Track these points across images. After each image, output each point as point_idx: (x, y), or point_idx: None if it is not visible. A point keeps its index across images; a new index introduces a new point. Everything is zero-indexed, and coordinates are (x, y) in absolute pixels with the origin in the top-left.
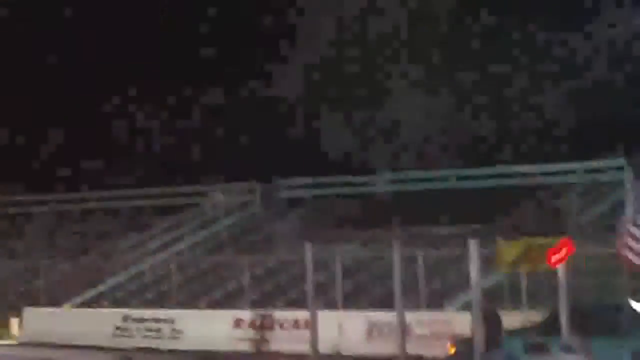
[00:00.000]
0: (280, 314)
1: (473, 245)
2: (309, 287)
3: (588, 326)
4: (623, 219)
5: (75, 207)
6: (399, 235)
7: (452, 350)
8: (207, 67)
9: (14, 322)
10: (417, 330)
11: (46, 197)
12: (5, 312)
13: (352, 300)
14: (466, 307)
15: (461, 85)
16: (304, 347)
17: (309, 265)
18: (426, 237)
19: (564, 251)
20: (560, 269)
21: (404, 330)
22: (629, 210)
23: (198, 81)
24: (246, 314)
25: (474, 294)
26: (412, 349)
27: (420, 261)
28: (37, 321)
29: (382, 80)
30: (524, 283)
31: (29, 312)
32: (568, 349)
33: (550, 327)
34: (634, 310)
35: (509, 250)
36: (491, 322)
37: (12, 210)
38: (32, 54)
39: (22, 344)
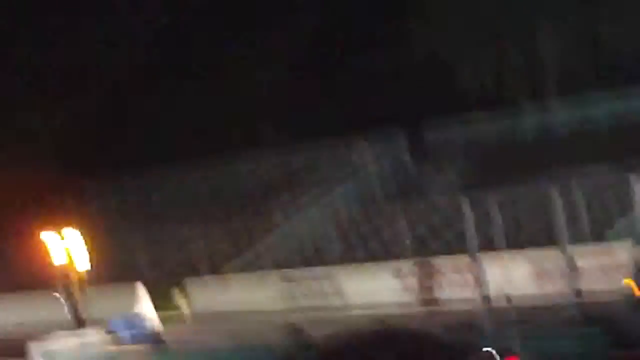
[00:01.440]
0: (441, 261)
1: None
2: (471, 240)
3: None
4: None
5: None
6: (557, 180)
7: (630, 284)
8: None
9: (177, 294)
10: (582, 264)
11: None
12: (165, 284)
13: (513, 238)
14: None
15: None
16: (468, 293)
17: (470, 222)
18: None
19: None
20: None
21: (572, 265)
22: None
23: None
24: (407, 264)
25: None
26: (579, 283)
27: (578, 192)
28: (200, 291)
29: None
30: None
31: (192, 283)
32: None
33: None
34: None
35: None
36: None
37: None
38: None
39: (188, 317)
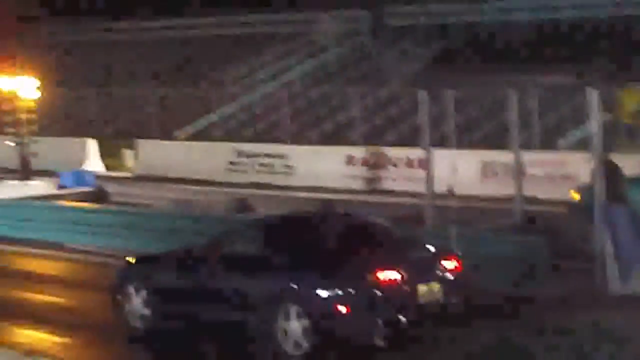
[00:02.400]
0: (393, 152)
1: (592, 95)
2: (425, 135)
3: None
4: None
5: (182, 34)
6: (513, 82)
7: (577, 197)
8: None
9: (127, 153)
10: (531, 171)
11: (153, 23)
12: (117, 142)
13: (465, 138)
14: (579, 146)
15: None
16: (416, 187)
17: (424, 114)
18: (541, 86)
19: None
20: None
21: (520, 170)
22: None
23: None
24: (359, 151)
25: (594, 144)
26: (525, 190)
27: (534, 98)
28: (151, 153)
29: None
30: None
31: (143, 144)
32: None
33: None
34: None
35: (631, 98)
36: (612, 171)
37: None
38: None
39: (137, 177)
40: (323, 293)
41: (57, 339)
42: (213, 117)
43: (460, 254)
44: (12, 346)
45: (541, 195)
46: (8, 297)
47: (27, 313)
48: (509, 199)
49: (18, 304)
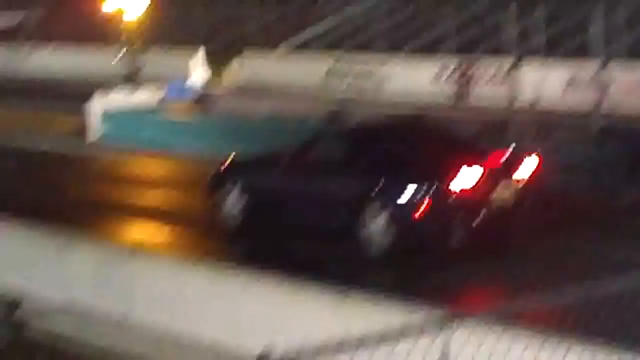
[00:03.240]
0: (481, 67)
1: None
2: (511, 47)
3: None
4: None
5: None
6: None
7: None
8: None
9: (232, 65)
10: (620, 84)
11: None
12: (222, 55)
13: (552, 50)
14: None
15: None
16: (503, 101)
17: (513, 28)
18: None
19: None
20: None
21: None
22: None
23: None
24: (448, 65)
25: None
26: (608, 103)
27: (619, 12)
28: (253, 66)
29: None
30: None
31: (246, 56)
32: None
33: None
34: None
35: None
36: None
37: None
38: None
39: (240, 89)
40: (403, 196)
41: (163, 236)
42: (313, 30)
43: (535, 157)
44: (125, 241)
45: (624, 109)
46: (119, 200)
47: (136, 213)
48: (592, 107)
49: (130, 203)
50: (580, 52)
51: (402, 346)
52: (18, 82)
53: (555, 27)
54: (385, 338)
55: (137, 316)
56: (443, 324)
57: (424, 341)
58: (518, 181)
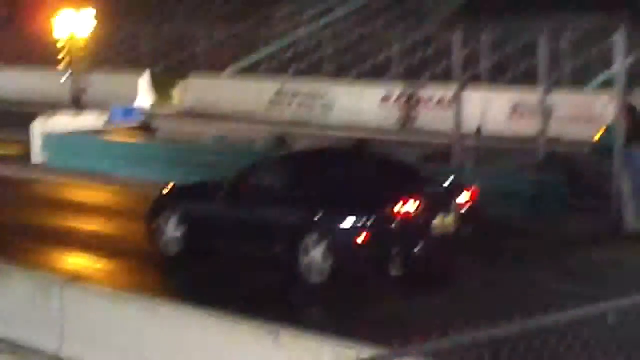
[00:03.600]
0: (426, 92)
1: (620, 36)
2: (457, 73)
3: None
4: None
5: None
6: (545, 26)
7: (598, 136)
8: None
9: (176, 90)
10: (560, 112)
11: None
12: (166, 79)
13: (497, 78)
14: (605, 87)
15: None
16: (447, 125)
17: (459, 54)
18: (573, 29)
19: None
20: None
21: (547, 111)
22: None
23: None
24: (394, 90)
25: (617, 87)
26: (553, 130)
27: (564, 39)
28: (198, 90)
29: None
30: None
31: (191, 81)
32: None
33: None
34: None
35: None
36: (632, 113)
37: None
38: None
39: (184, 113)
40: (344, 224)
41: (100, 265)
42: (258, 55)
43: (474, 187)
44: (59, 271)
45: (564, 134)
46: (58, 225)
47: (74, 240)
48: (535, 137)
49: (67, 231)
50: (526, 78)
51: None
52: None
53: (500, 53)
54: None
55: (68, 352)
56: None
57: None
58: (458, 209)
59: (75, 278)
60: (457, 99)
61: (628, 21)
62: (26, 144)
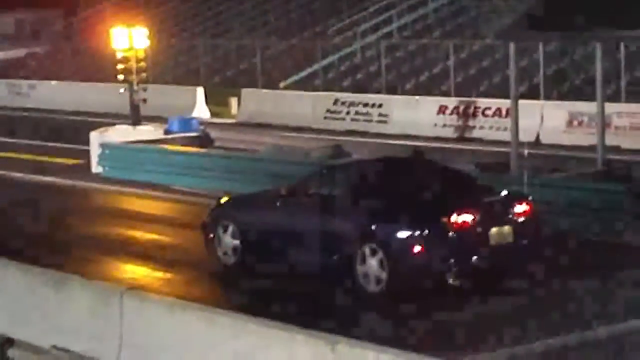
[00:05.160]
0: (483, 102)
1: None
2: (512, 85)
3: None
4: None
5: None
6: (602, 37)
7: None
8: None
9: (233, 101)
10: (617, 122)
11: None
12: (224, 91)
13: (554, 88)
14: None
15: None
16: (505, 135)
17: (513, 65)
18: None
19: None
20: None
21: (604, 121)
22: None
23: None
24: (451, 101)
25: None
26: (610, 140)
27: (622, 51)
28: (254, 101)
29: None
30: None
31: (247, 92)
32: None
33: None
34: None
35: None
36: None
37: None
38: None
39: (239, 123)
40: (400, 234)
41: (158, 274)
42: (314, 67)
43: (531, 198)
44: (118, 280)
45: (623, 144)
46: (117, 235)
47: (133, 250)
48: (593, 148)
49: (125, 241)
50: (582, 90)
51: None
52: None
53: (555, 68)
54: None
55: (127, 358)
56: None
57: None
58: (516, 219)
59: (134, 287)
60: (513, 109)
61: None
62: (86, 154)
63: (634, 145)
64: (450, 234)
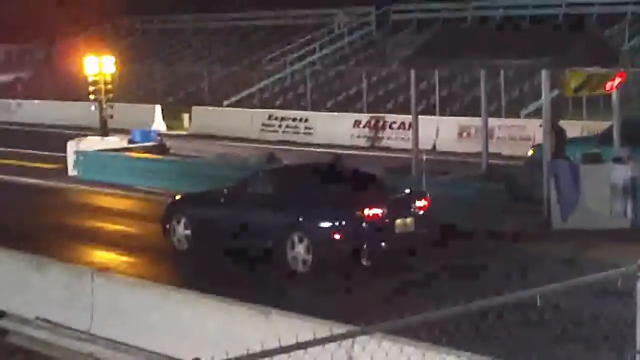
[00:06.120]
0: (390, 117)
1: (545, 75)
2: (413, 103)
3: (636, 138)
4: None
5: (229, 25)
6: (485, 65)
7: (530, 152)
8: None
9: (185, 116)
10: (499, 134)
11: (206, 15)
12: (177, 108)
13: (447, 106)
14: (536, 114)
15: None
16: (407, 144)
17: (413, 88)
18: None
19: (617, 80)
20: (614, 93)
21: (487, 133)
22: None
23: None
24: (364, 116)
25: (544, 114)
26: (493, 148)
27: (502, 75)
28: (202, 117)
29: None
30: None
31: (196, 110)
32: (618, 160)
33: (605, 138)
34: None
35: (573, 78)
36: (558, 134)
37: (183, 25)
38: None
39: (190, 135)
40: (323, 224)
41: (123, 258)
42: (253, 89)
43: (429, 194)
44: (89, 263)
45: (504, 151)
46: (89, 226)
47: (102, 239)
48: (479, 155)
49: (96, 231)
50: (469, 108)
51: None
52: (12, 128)
53: (447, 89)
54: (299, 347)
55: (97, 329)
56: (348, 335)
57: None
58: (417, 212)
59: (102, 269)
60: (414, 123)
61: (549, 64)
62: (64, 160)
63: (512, 152)
64: (363, 224)
